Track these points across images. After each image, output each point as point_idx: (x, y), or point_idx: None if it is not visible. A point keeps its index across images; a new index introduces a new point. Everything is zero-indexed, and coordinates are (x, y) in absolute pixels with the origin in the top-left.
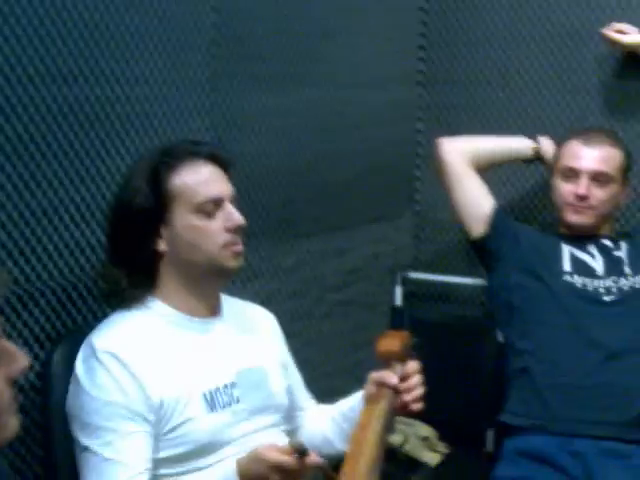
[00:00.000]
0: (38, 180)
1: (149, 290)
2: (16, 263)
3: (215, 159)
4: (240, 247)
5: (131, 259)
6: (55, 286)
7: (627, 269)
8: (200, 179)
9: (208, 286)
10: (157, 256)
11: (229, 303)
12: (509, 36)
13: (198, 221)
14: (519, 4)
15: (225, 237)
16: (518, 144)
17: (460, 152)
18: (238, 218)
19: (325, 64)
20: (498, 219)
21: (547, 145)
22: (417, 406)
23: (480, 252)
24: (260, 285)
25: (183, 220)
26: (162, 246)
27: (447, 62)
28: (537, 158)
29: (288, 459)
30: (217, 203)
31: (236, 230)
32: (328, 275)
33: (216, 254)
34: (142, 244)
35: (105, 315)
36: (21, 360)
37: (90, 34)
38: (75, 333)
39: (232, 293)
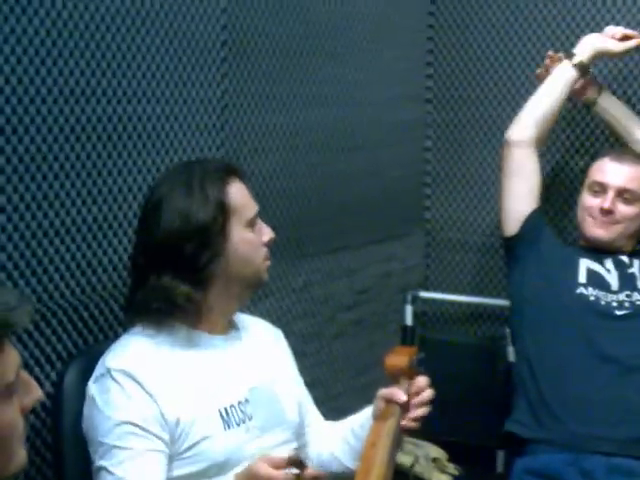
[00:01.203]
0: (50, 199)
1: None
2: (28, 283)
3: (239, 174)
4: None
5: (196, 278)
6: (67, 306)
7: None
8: (245, 194)
9: (243, 301)
10: (209, 274)
11: (240, 319)
12: (517, 53)
13: (251, 234)
14: (527, 22)
15: (264, 250)
16: (561, 78)
17: (528, 138)
18: (272, 232)
19: (334, 84)
20: (532, 224)
21: (582, 49)
22: (413, 425)
23: (508, 251)
24: (270, 305)
25: (239, 234)
26: (221, 263)
27: (455, 80)
28: (585, 69)
29: (279, 474)
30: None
31: (270, 244)
32: (338, 295)
33: (259, 267)
34: (208, 260)
35: (117, 334)
36: (35, 392)
37: (102, 53)
38: (86, 353)
39: (242, 312)
